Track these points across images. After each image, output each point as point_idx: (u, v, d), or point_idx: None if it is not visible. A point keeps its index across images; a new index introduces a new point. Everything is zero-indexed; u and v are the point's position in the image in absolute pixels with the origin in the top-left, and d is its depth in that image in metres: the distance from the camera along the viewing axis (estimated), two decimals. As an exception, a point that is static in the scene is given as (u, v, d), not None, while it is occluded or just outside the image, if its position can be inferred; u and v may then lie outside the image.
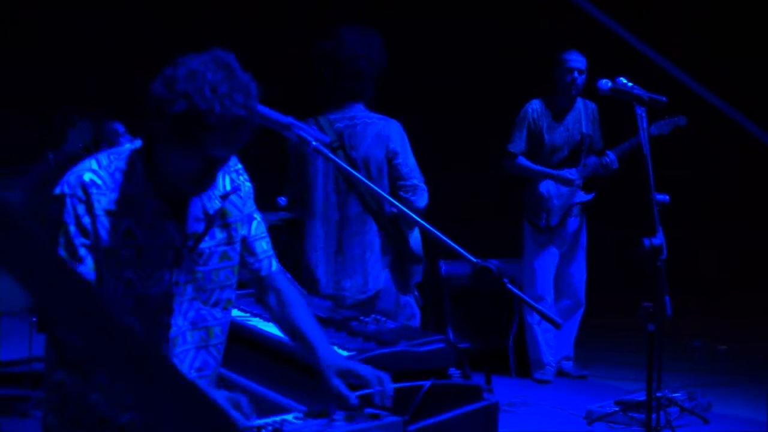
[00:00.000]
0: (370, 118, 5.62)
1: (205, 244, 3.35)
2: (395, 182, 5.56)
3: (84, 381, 3.25)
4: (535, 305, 3.65)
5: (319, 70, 5.67)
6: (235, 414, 3.12)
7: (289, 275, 3.86)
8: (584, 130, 8.51)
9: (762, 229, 11.89)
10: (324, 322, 4.41)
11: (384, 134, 5.57)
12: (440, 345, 4.00)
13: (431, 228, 3.80)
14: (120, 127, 6.82)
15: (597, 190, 8.60)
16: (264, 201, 3.69)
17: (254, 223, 3.53)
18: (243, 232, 3.48)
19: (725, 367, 8.97)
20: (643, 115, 5.50)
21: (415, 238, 5.67)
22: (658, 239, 5.39)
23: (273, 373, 3.96)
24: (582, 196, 8.57)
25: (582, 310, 8.72)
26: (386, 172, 5.58)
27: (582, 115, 8.52)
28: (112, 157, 3.26)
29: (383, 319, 4.39)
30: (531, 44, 11.28)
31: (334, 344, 4.05)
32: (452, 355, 3.96)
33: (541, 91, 8.55)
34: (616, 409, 7.41)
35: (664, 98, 5.60)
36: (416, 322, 5.70)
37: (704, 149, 11.72)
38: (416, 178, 5.57)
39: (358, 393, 3.35)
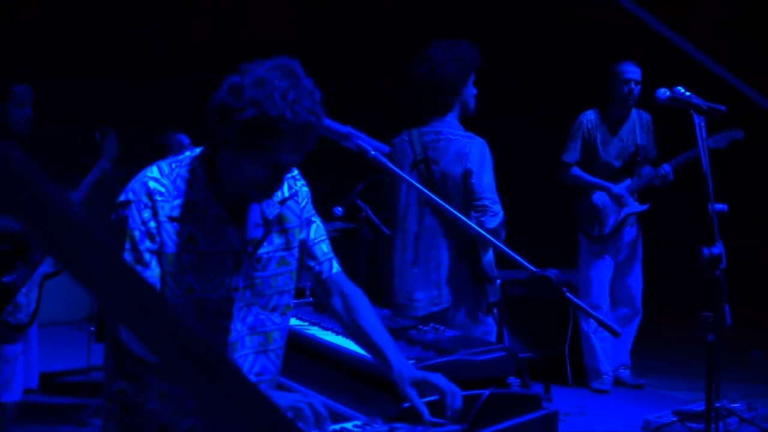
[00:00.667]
0: (454, 135, 5.61)
1: (264, 250, 3.39)
2: (470, 201, 5.54)
3: (144, 390, 3.29)
4: (594, 313, 3.64)
5: (408, 85, 5.71)
6: (299, 423, 3.14)
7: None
8: (639, 142, 8.49)
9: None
10: (383, 330, 4.42)
11: (463, 152, 5.56)
12: (499, 354, 3.99)
13: (489, 236, 3.80)
14: (185, 139, 6.89)
15: (652, 200, 8.56)
16: (320, 211, 3.71)
17: (313, 227, 3.57)
18: (302, 236, 3.52)
19: (785, 378, 8.89)
20: (702, 125, 5.46)
21: (488, 257, 5.64)
22: (718, 249, 5.35)
23: (332, 382, 3.97)
24: (636, 207, 8.55)
25: (639, 318, 8.69)
26: (463, 189, 5.57)
27: (636, 125, 8.51)
28: (173, 164, 3.31)
29: (441, 327, 4.38)
30: (588, 53, 11.23)
31: (393, 353, 4.06)
32: (511, 364, 3.96)
33: (596, 101, 8.53)
34: (674, 419, 7.36)
35: (723, 107, 5.56)
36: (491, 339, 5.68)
37: (764, 158, 11.62)
38: (488, 199, 5.50)
39: (424, 400, 3.36)
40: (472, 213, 5.48)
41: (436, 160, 5.61)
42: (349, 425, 3.24)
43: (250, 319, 3.39)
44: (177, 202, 3.24)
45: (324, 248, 3.61)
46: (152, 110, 10.47)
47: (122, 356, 3.31)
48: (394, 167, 3.55)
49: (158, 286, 3.22)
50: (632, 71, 8.35)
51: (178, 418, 3.29)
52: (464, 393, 3.45)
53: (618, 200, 8.40)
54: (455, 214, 3.80)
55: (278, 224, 3.44)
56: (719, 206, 5.67)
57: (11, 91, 6.16)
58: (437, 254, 5.62)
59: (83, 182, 6.38)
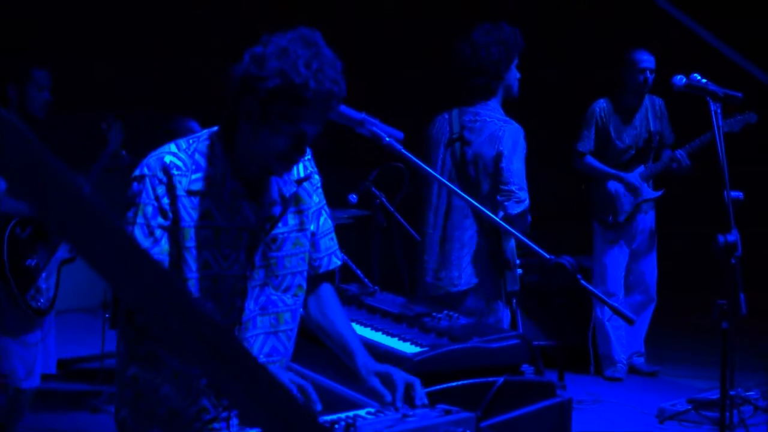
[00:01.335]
0: (491, 118, 5.60)
1: (279, 230, 3.40)
2: (498, 185, 5.53)
3: (157, 374, 3.30)
4: (609, 301, 3.63)
5: (453, 69, 5.71)
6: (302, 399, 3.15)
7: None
8: (652, 128, 8.48)
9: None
10: (397, 318, 4.42)
11: (497, 135, 5.54)
12: (513, 341, 3.99)
13: (504, 224, 3.80)
14: (196, 126, 6.89)
15: (667, 187, 8.54)
16: (334, 199, 3.71)
17: (322, 219, 3.58)
18: (312, 227, 3.52)
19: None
20: (719, 111, 5.44)
21: (511, 244, 5.62)
22: (733, 236, 5.33)
23: (346, 369, 3.97)
24: (650, 193, 8.53)
25: (653, 305, 8.68)
26: (492, 172, 5.55)
27: (649, 112, 8.50)
28: (190, 140, 3.33)
29: (456, 315, 4.38)
30: (604, 41, 11.21)
31: (407, 340, 4.06)
32: (525, 352, 3.95)
33: (610, 89, 8.51)
34: (689, 407, 7.35)
35: (739, 94, 5.54)
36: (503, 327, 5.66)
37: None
38: (515, 185, 5.48)
39: (427, 390, 3.36)
40: (498, 197, 5.46)
41: (469, 142, 5.61)
42: (362, 412, 3.24)
43: (262, 299, 3.40)
44: (195, 176, 3.26)
45: (328, 242, 3.63)
46: (162, 96, 10.47)
47: (135, 340, 3.32)
48: (408, 153, 3.53)
49: (166, 262, 3.24)
50: (647, 60, 8.33)
51: (189, 402, 3.31)
52: (475, 380, 3.45)
53: (634, 190, 8.38)
54: (469, 201, 3.78)
55: (294, 204, 3.45)
56: (735, 193, 5.65)
57: (31, 74, 6.18)
58: (462, 235, 5.62)
59: (91, 170, 6.39)
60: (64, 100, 6.61)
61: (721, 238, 5.33)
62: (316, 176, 3.57)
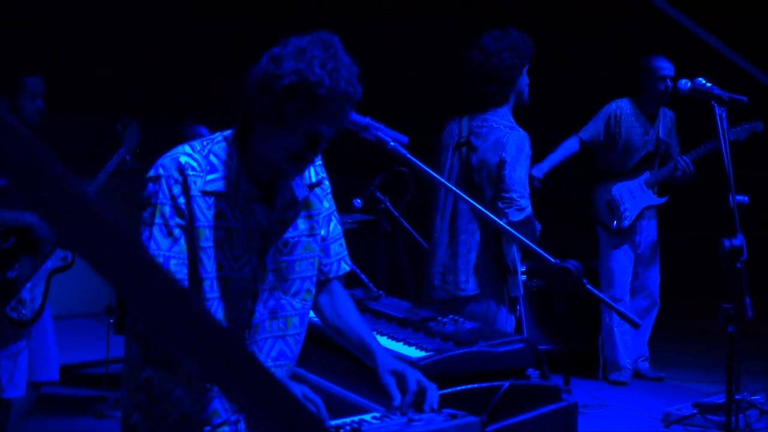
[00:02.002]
0: (498, 124, 5.58)
1: (290, 234, 3.42)
2: (499, 191, 5.51)
3: (171, 376, 3.31)
4: (614, 305, 3.62)
5: (462, 76, 5.70)
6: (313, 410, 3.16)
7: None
8: (661, 137, 8.49)
9: None
10: (402, 322, 4.42)
11: (502, 141, 5.52)
12: (519, 345, 3.98)
13: (510, 229, 3.79)
14: (204, 131, 6.89)
15: (672, 193, 8.54)
16: (339, 203, 3.72)
17: (332, 225, 3.59)
18: (322, 232, 3.53)
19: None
20: (724, 115, 5.43)
21: (512, 250, 5.61)
22: (738, 240, 5.32)
23: (351, 374, 3.97)
24: (655, 200, 8.53)
25: (657, 309, 8.68)
26: (495, 178, 5.54)
27: (661, 122, 8.51)
28: (205, 142, 3.35)
29: (461, 319, 4.38)
30: (611, 45, 11.22)
31: (412, 344, 4.06)
32: (531, 356, 3.95)
33: (621, 92, 8.51)
34: (694, 411, 7.34)
35: (744, 98, 5.53)
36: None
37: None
38: (516, 193, 5.46)
39: (441, 392, 3.36)
40: (499, 204, 5.45)
41: (475, 147, 5.60)
42: (367, 417, 3.24)
43: (272, 302, 3.41)
44: (210, 177, 3.28)
45: (337, 248, 3.65)
46: (171, 102, 10.48)
47: (149, 343, 3.33)
48: (413, 158, 3.53)
49: (186, 261, 3.26)
50: (668, 68, 8.33)
51: (201, 406, 3.32)
52: (480, 385, 3.45)
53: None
54: (474, 205, 3.78)
55: (305, 209, 3.47)
56: (740, 198, 5.65)
57: (23, 83, 6.12)
58: (468, 239, 5.61)
59: (101, 172, 6.37)
60: (69, 102, 6.59)
61: (726, 243, 5.32)
62: (327, 182, 3.59)
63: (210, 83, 10.65)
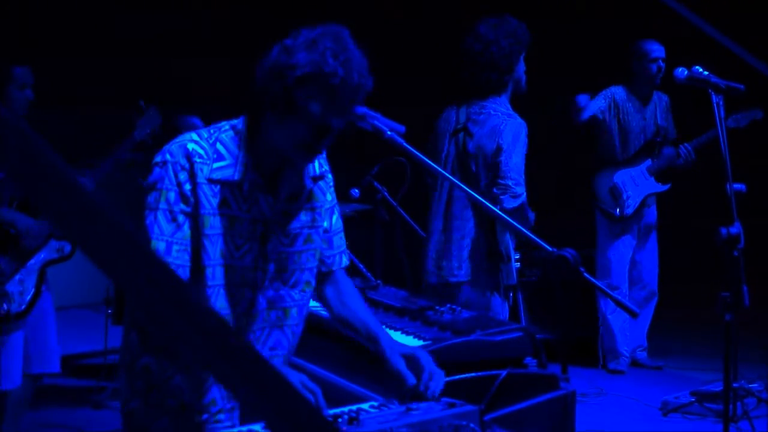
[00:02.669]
0: (496, 111, 5.57)
1: (292, 225, 3.43)
2: (494, 178, 5.51)
3: (170, 364, 3.33)
4: (612, 294, 3.63)
5: (461, 64, 5.69)
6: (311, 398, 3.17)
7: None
8: (659, 122, 8.50)
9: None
10: (399, 311, 4.42)
11: (499, 128, 5.51)
12: (516, 334, 3.98)
13: (506, 217, 3.79)
14: (198, 122, 6.87)
15: (672, 181, 8.54)
16: (337, 193, 3.72)
17: (334, 217, 3.62)
18: (325, 223, 3.54)
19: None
20: (720, 103, 5.43)
21: (506, 237, 5.60)
22: (736, 228, 5.33)
23: (349, 363, 3.97)
24: (657, 187, 8.53)
25: (656, 299, 8.69)
26: (491, 165, 5.53)
27: (658, 106, 8.51)
28: (212, 130, 3.37)
29: (458, 308, 4.38)
30: (607, 32, 11.21)
31: (410, 333, 4.06)
32: (529, 344, 3.95)
33: (621, 78, 8.53)
34: (692, 399, 7.35)
35: (741, 86, 5.53)
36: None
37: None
38: (512, 180, 5.45)
39: (446, 379, 3.37)
40: (494, 190, 5.44)
41: (472, 134, 5.60)
42: (365, 406, 3.24)
43: (271, 293, 3.42)
44: (216, 165, 3.29)
45: (339, 240, 3.66)
46: (164, 94, 10.47)
47: (148, 331, 3.34)
48: (410, 147, 3.53)
49: (188, 247, 3.27)
50: (658, 50, 8.38)
51: (199, 394, 3.35)
52: (478, 374, 3.45)
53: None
54: (470, 193, 3.78)
55: (308, 201, 3.48)
56: (738, 186, 5.65)
57: (11, 74, 6.10)
58: (462, 225, 5.61)
59: (106, 159, 6.28)
60: (58, 97, 6.55)
61: (723, 231, 5.33)
62: (330, 175, 3.60)
63: (204, 74, 10.65)
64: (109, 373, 7.73)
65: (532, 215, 5.59)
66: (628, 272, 8.63)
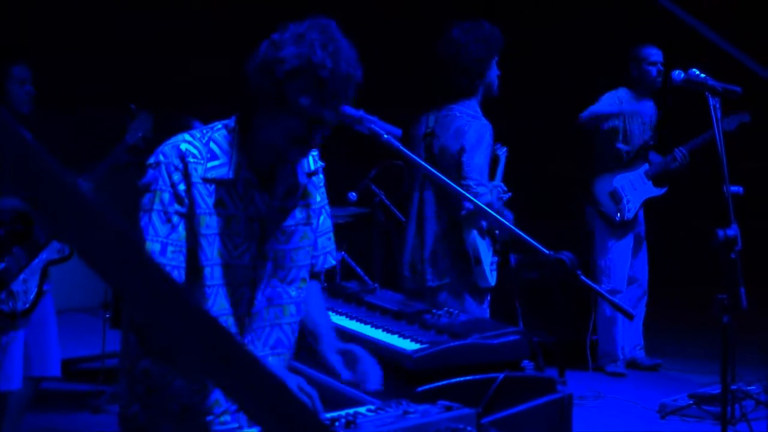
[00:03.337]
0: (461, 113, 5.61)
1: (288, 223, 3.43)
2: (458, 178, 5.52)
3: (170, 369, 3.32)
4: (608, 296, 3.63)
5: (434, 68, 5.71)
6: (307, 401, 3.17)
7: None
8: (653, 126, 8.55)
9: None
10: (396, 315, 4.42)
11: (462, 129, 5.55)
12: (514, 337, 3.98)
13: (504, 221, 3.79)
14: (197, 124, 6.87)
15: (669, 184, 8.56)
16: (334, 196, 3.72)
17: (322, 218, 3.61)
18: (314, 223, 3.54)
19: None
20: (717, 106, 5.44)
21: (472, 238, 5.60)
22: (733, 230, 5.33)
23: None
24: (655, 191, 8.55)
25: (646, 298, 8.72)
26: (455, 166, 5.55)
27: (653, 111, 8.56)
28: (204, 130, 3.36)
29: (456, 311, 4.38)
30: (605, 35, 11.22)
31: (407, 337, 4.06)
32: (526, 348, 3.95)
33: (618, 83, 8.55)
34: (690, 402, 7.35)
35: (738, 88, 5.54)
36: None
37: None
38: (473, 180, 5.49)
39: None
40: None
41: (438, 136, 5.64)
42: (362, 409, 3.24)
43: (268, 290, 3.42)
44: (210, 164, 3.29)
45: (325, 241, 3.66)
46: (161, 95, 10.47)
47: (146, 334, 3.33)
48: (406, 150, 3.53)
49: (183, 248, 3.26)
50: (657, 54, 8.45)
51: (201, 397, 3.34)
52: (475, 377, 3.45)
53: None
54: (458, 190, 3.78)
55: (303, 198, 3.48)
56: (734, 188, 5.66)
57: (9, 71, 6.12)
58: (433, 229, 5.63)
59: (101, 163, 6.30)
60: (59, 98, 6.56)
61: (720, 233, 5.33)
62: (321, 174, 3.59)
63: (204, 74, 10.64)
64: (107, 377, 7.72)
65: (509, 215, 5.60)
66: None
